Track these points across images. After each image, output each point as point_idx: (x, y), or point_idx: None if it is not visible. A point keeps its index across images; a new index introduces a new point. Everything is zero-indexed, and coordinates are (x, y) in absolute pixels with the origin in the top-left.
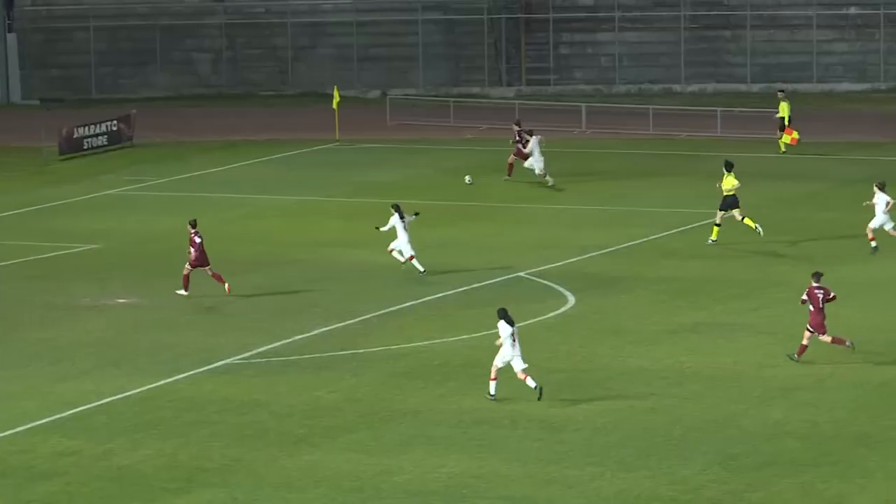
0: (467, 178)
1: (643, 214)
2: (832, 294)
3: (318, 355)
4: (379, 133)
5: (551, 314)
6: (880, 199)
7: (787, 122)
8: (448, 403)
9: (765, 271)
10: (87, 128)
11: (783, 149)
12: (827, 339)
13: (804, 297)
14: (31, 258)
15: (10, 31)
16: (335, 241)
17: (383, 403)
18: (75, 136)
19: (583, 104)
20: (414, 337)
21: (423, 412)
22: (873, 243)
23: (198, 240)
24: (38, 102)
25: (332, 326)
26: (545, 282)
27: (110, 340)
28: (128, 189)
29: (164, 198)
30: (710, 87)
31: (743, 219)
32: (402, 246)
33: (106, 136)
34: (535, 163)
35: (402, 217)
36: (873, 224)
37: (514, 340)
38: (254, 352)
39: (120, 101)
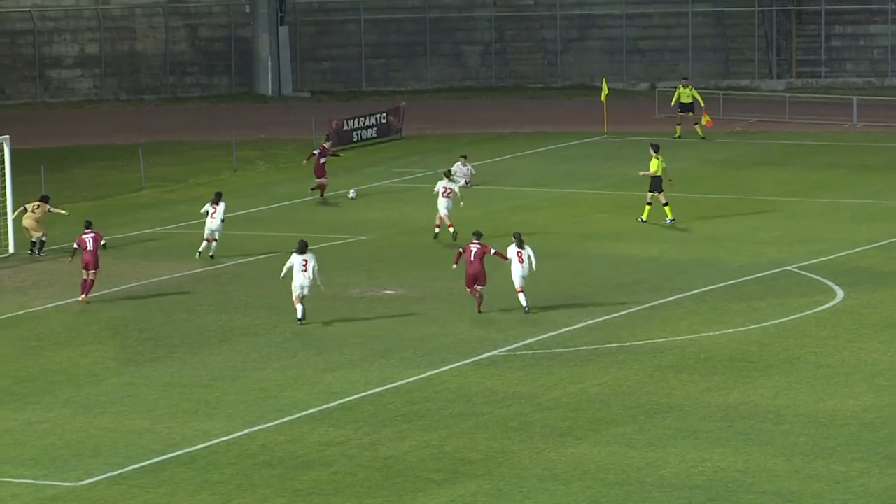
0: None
1: None
2: (493, 250)
3: (583, 348)
4: (647, 126)
5: (819, 308)
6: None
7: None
8: (713, 397)
9: None
10: (356, 120)
11: (701, 133)
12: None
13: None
14: None
15: (282, 24)
16: (602, 233)
17: (648, 396)
18: (345, 128)
19: (854, 97)
20: (680, 330)
21: (689, 406)
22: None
23: (89, 240)
24: (308, 95)
25: (599, 319)
26: (813, 276)
27: (378, 331)
28: (396, 181)
29: (432, 190)
30: None
31: (665, 204)
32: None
33: (375, 129)
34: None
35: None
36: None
37: (303, 268)
38: (519, 343)
39: (389, 93)
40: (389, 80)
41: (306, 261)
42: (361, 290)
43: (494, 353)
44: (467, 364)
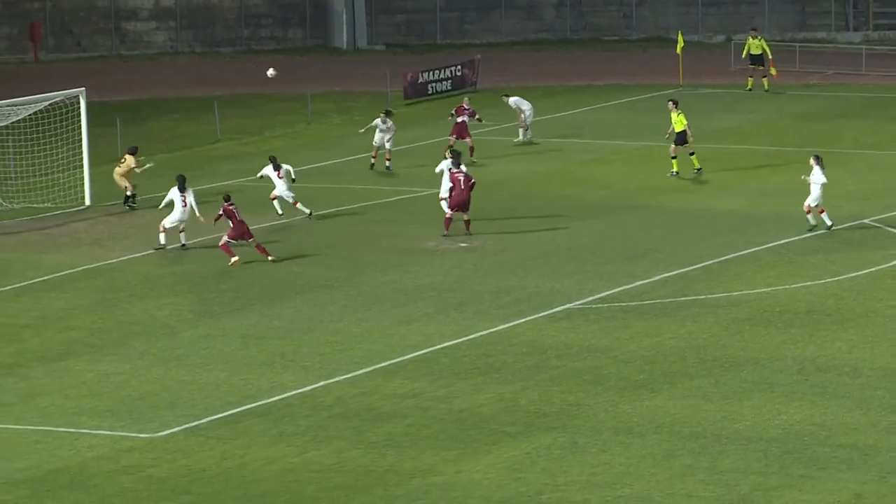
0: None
1: None
2: (473, 180)
3: (658, 301)
4: (722, 78)
5: None
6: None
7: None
8: (789, 350)
9: None
10: (431, 73)
11: (766, 87)
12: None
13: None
14: (376, 202)
15: None
16: (678, 186)
17: (724, 350)
18: (420, 81)
19: None
20: (756, 283)
21: (764, 359)
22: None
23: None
24: (383, 47)
25: (674, 272)
26: (891, 229)
27: (453, 284)
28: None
29: (507, 143)
30: None
31: (675, 157)
32: (281, 192)
33: (450, 81)
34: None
35: (276, 167)
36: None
37: (183, 203)
38: (594, 297)
39: (464, 46)
40: (464, 33)
41: (185, 197)
42: (436, 244)
43: (569, 305)
44: (542, 317)
